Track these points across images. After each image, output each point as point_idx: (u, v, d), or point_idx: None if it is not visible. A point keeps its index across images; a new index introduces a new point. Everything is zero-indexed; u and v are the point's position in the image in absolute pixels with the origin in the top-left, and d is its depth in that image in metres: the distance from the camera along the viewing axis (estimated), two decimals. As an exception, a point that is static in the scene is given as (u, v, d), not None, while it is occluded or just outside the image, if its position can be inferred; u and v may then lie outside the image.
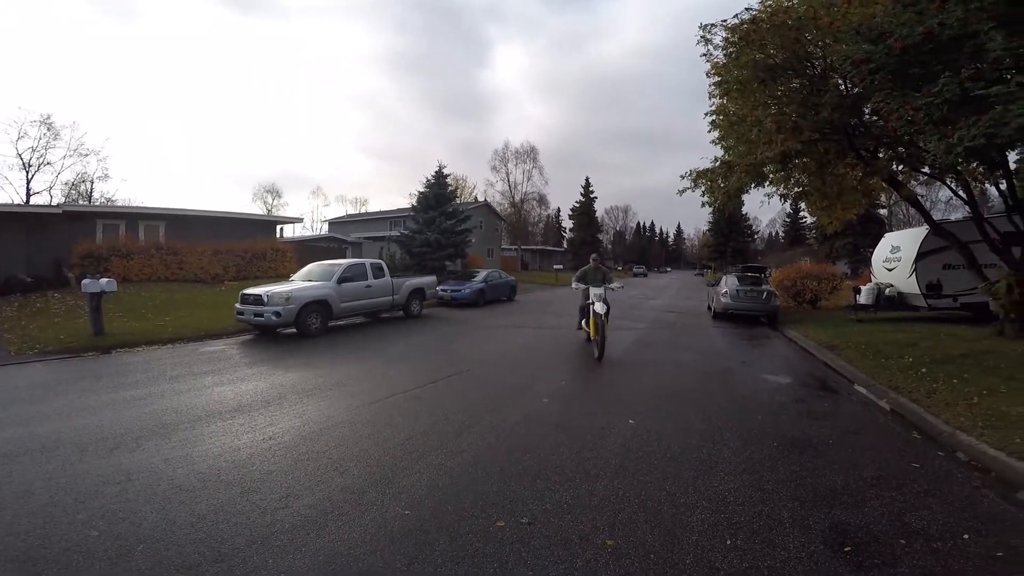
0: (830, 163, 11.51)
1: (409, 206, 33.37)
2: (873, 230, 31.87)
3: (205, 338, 10.37)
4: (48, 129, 35.55)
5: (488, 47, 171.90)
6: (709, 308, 16.94)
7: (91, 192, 38.99)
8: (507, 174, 53.24)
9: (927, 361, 7.34)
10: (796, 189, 13.15)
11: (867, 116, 10.60)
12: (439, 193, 28.42)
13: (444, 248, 27.11)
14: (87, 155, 41.24)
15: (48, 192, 36.68)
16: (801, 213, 54.40)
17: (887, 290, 13.67)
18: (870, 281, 15.11)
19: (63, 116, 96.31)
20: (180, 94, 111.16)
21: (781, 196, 13.29)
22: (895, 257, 14.15)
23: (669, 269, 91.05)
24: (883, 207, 37.28)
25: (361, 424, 4.94)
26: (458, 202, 32.63)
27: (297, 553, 2.69)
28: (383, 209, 53.52)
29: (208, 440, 4.44)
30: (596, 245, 64.75)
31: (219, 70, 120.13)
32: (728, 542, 2.83)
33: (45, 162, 36.09)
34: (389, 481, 3.61)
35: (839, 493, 3.48)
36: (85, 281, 9.76)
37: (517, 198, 53.52)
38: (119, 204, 36.60)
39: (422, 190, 29.02)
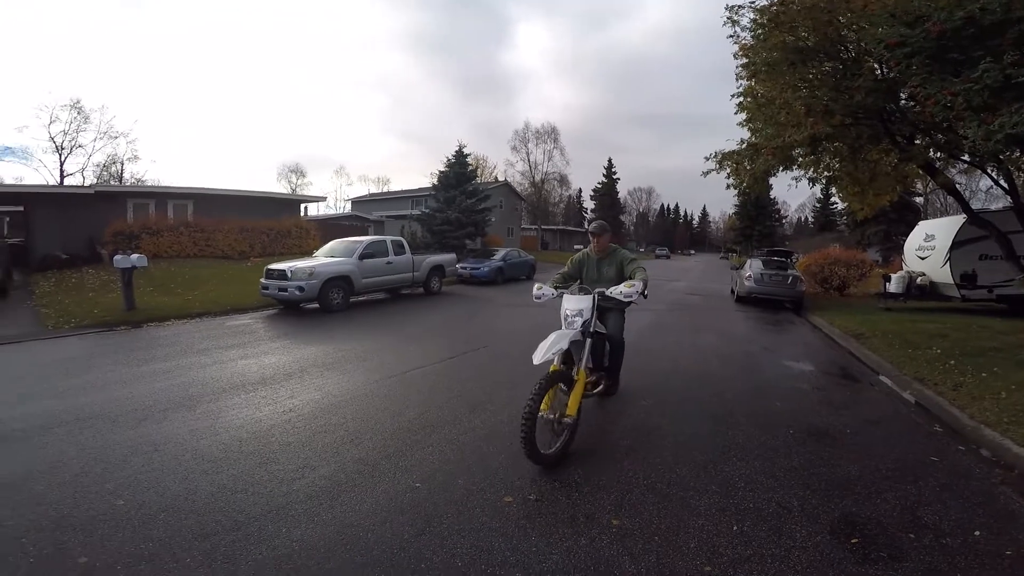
0: (863, 148, 11.08)
1: (430, 185, 33.38)
2: (907, 217, 30.89)
3: (231, 312, 10.64)
4: (78, 113, 36.50)
5: (510, 24, 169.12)
6: (732, 291, 16.68)
7: (121, 173, 40.10)
8: (527, 154, 52.70)
9: (956, 353, 7.12)
10: (826, 174, 12.73)
11: (903, 101, 10.17)
12: (459, 172, 28.40)
13: (464, 227, 27.15)
14: (116, 137, 42.62)
15: (81, 174, 37.84)
16: (832, 198, 52.88)
17: (919, 279, 13.28)
18: (901, 269, 14.68)
19: (92, 100, 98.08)
20: (206, 76, 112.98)
21: (810, 180, 12.85)
22: (929, 246, 13.70)
23: (693, 252, 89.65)
24: (919, 195, 36.03)
25: (378, 398, 5.05)
26: (478, 181, 32.63)
27: (311, 523, 2.78)
28: (405, 188, 53.69)
29: (231, 412, 4.59)
30: (617, 227, 64.05)
31: (243, 50, 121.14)
32: (735, 528, 2.83)
33: (76, 145, 37.15)
34: (402, 454, 3.69)
35: (853, 484, 3.44)
36: (117, 257, 10.06)
37: (537, 178, 53.03)
38: (149, 184, 37.46)
39: (443, 169, 29.02)
